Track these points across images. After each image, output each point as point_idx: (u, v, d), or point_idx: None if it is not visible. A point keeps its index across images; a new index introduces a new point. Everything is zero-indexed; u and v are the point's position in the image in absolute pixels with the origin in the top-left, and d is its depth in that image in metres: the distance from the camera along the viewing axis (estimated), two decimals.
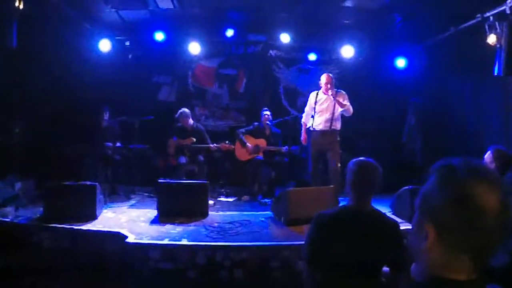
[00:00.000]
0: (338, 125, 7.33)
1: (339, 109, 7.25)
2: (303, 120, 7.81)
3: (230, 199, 8.14)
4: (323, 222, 2.80)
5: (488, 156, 4.59)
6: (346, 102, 7.20)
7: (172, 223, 6.00)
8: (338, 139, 7.34)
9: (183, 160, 8.01)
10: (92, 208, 6.12)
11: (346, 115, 7.27)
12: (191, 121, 8.46)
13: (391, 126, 9.74)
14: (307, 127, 7.55)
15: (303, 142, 7.78)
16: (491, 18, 6.91)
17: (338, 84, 7.80)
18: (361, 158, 2.99)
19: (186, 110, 8.50)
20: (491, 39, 6.90)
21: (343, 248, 2.64)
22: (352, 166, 2.94)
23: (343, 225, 2.77)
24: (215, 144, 8.22)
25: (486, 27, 6.98)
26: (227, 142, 8.22)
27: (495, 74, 6.80)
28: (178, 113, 8.37)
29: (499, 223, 1.09)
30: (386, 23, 8.88)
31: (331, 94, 7.16)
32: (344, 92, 7.36)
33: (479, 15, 7.15)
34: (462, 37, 7.96)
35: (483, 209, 1.08)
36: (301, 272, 2.86)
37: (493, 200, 1.09)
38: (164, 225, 5.93)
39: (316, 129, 7.33)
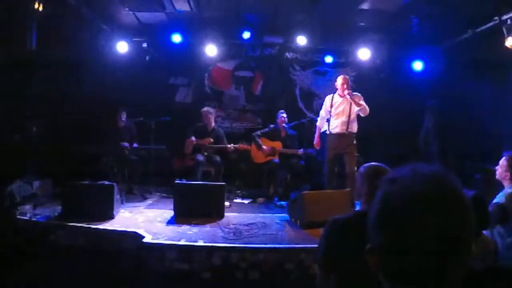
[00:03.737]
0: (354, 128, 7.32)
1: (355, 111, 7.24)
2: (317, 123, 7.81)
3: (246, 201, 8.16)
4: (336, 227, 2.79)
5: (502, 163, 4.43)
6: (362, 102, 7.19)
7: (189, 224, 6.02)
8: (355, 142, 7.32)
9: (200, 157, 8.02)
10: (110, 208, 6.19)
11: (363, 115, 7.24)
12: (213, 121, 8.54)
13: (407, 129, 9.67)
14: (323, 131, 7.57)
15: (316, 146, 7.79)
16: (509, 21, 6.86)
17: (355, 87, 7.79)
18: (372, 162, 2.98)
19: (211, 108, 8.62)
20: (509, 42, 6.84)
21: (356, 253, 2.63)
22: (363, 171, 2.92)
23: (356, 230, 2.75)
24: (232, 144, 8.24)
25: (504, 30, 6.93)
26: (244, 142, 8.25)
27: None
28: (203, 110, 8.49)
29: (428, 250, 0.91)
30: (403, 26, 8.84)
31: (347, 94, 7.16)
32: (359, 94, 7.35)
33: (496, 17, 7.10)
34: (480, 40, 7.91)
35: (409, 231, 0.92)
36: (316, 276, 2.85)
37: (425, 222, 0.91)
38: (181, 226, 5.96)
39: (333, 132, 7.32)
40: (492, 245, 3.21)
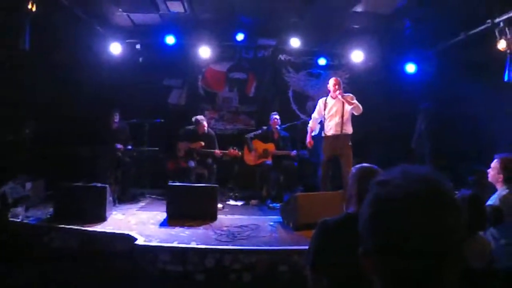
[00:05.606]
0: (349, 129, 7.33)
1: (348, 111, 7.27)
2: (309, 124, 7.82)
3: (239, 203, 8.15)
4: (327, 229, 2.78)
5: (494, 165, 4.41)
6: (355, 101, 7.21)
7: (181, 226, 6.01)
8: (350, 143, 7.33)
9: (192, 164, 8.01)
10: (102, 210, 6.17)
11: (356, 113, 7.25)
12: (205, 126, 8.49)
13: (401, 131, 9.70)
14: (316, 133, 7.62)
15: (308, 145, 7.79)
16: (501, 23, 6.90)
17: (348, 89, 7.81)
18: (364, 164, 2.97)
19: (203, 117, 8.62)
20: (501, 44, 6.87)
21: (347, 255, 2.63)
22: (355, 172, 2.91)
23: (347, 232, 2.74)
24: (221, 150, 8.24)
25: (496, 32, 6.97)
26: (234, 147, 8.24)
27: (506, 80, 6.77)
28: (195, 119, 8.43)
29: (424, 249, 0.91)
30: (396, 28, 8.87)
31: (339, 93, 7.20)
32: (351, 95, 7.39)
33: (489, 20, 7.13)
34: (472, 43, 7.94)
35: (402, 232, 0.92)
36: (308, 278, 2.84)
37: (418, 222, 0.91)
38: (173, 228, 5.95)
39: (328, 134, 7.35)
40: (488, 246, 3.22)
